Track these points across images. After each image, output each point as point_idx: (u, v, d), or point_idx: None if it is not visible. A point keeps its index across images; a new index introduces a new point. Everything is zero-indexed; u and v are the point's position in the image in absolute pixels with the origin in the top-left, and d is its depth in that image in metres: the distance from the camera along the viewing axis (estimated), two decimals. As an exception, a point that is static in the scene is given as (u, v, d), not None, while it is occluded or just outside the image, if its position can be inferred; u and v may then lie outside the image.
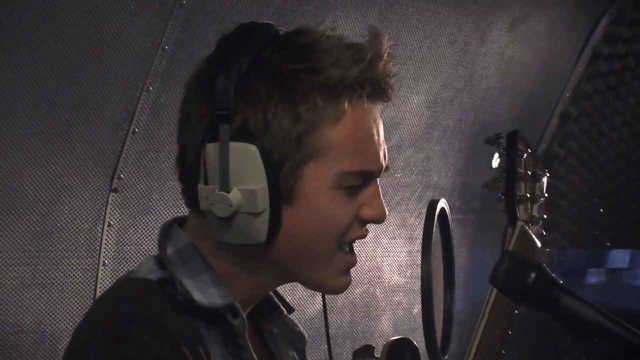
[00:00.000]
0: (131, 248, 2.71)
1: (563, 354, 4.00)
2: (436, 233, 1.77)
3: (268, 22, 1.38)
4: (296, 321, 1.55)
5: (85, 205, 2.60)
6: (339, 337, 3.39)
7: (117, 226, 2.67)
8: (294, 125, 1.31)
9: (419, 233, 1.84)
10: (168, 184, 2.70)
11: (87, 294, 2.62)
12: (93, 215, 2.62)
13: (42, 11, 2.34)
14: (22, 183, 2.45)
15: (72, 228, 2.58)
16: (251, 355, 1.37)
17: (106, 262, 2.65)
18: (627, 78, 4.06)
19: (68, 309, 2.58)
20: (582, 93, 4.10)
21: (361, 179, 1.36)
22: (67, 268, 2.58)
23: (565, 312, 1.32)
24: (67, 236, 2.57)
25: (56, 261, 2.55)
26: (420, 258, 1.72)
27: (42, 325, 2.54)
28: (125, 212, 2.69)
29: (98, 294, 2.63)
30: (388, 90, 1.36)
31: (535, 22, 3.75)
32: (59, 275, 2.56)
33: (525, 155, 1.88)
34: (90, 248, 2.63)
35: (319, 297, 3.19)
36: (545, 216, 1.94)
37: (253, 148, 1.30)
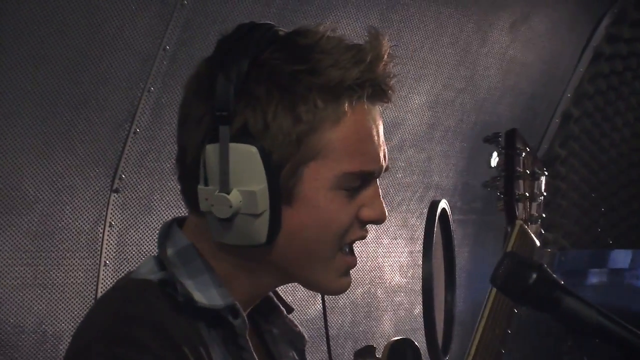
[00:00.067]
0: (132, 248, 2.71)
1: (564, 354, 4.00)
2: (437, 233, 1.77)
3: (268, 22, 1.38)
4: (296, 321, 1.54)
5: (87, 206, 2.60)
6: (340, 337, 3.39)
7: (118, 226, 2.67)
8: (294, 127, 1.30)
9: (420, 233, 1.84)
10: (169, 184, 2.70)
11: (88, 295, 2.62)
12: (94, 215, 2.62)
13: (43, 11, 2.34)
14: (23, 183, 2.45)
15: (73, 228, 2.58)
16: (252, 356, 1.37)
17: (107, 262, 2.65)
18: (629, 78, 4.06)
19: (69, 309, 2.58)
20: (583, 93, 4.10)
21: (361, 180, 1.36)
22: (68, 268, 2.58)
23: (566, 312, 1.32)
24: (68, 236, 2.57)
25: (57, 261, 2.55)
26: (421, 258, 1.72)
27: (44, 326, 2.54)
28: (127, 212, 2.69)
29: (99, 295, 2.63)
30: (388, 92, 1.36)
31: (537, 22, 3.75)
32: (60, 275, 2.56)
33: (523, 154, 1.88)
34: (92, 248, 2.63)
35: (319, 297, 3.19)
36: (544, 215, 1.94)
37: (253, 149, 1.29)
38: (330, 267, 1.38)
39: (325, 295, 1.52)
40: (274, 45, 1.34)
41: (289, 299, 1.56)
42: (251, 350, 1.37)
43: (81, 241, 2.60)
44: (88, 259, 2.62)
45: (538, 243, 1.89)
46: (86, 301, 2.61)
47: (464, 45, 3.55)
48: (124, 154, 2.63)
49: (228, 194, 1.31)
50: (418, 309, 3.63)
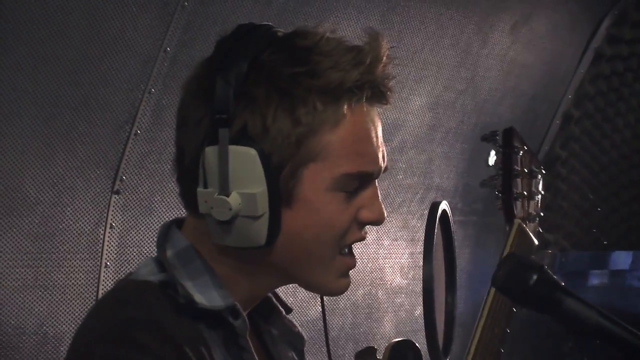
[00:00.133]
0: (133, 250, 2.71)
1: (565, 356, 4.00)
2: (438, 235, 1.77)
3: (267, 23, 1.38)
4: (296, 323, 1.55)
5: (88, 207, 2.60)
6: (341, 338, 3.39)
7: (119, 228, 2.67)
8: (293, 129, 1.30)
9: (421, 235, 1.84)
10: (170, 185, 2.70)
11: (89, 296, 2.62)
12: (95, 217, 2.62)
13: (44, 13, 2.34)
14: (24, 185, 2.45)
15: (74, 230, 2.58)
16: (252, 356, 1.37)
17: (108, 263, 2.65)
18: (630, 79, 4.06)
19: (70, 310, 2.58)
20: (584, 94, 4.10)
21: (360, 181, 1.36)
22: (69, 270, 2.58)
23: (567, 313, 1.32)
24: (69, 238, 2.57)
25: (58, 263, 2.56)
26: (422, 260, 1.72)
27: (45, 327, 2.54)
28: (128, 213, 2.69)
29: (100, 296, 2.63)
30: (387, 93, 1.36)
31: (537, 23, 3.75)
32: (61, 277, 2.57)
33: (521, 152, 1.88)
34: (93, 250, 2.63)
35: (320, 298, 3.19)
36: (542, 213, 1.94)
37: (252, 152, 1.29)
38: (330, 269, 1.39)
39: (325, 296, 1.52)
40: (273, 46, 1.34)
41: (289, 300, 1.56)
42: (252, 351, 1.37)
43: (82, 243, 2.60)
44: (89, 260, 2.63)
45: (536, 242, 1.89)
46: (87, 303, 2.61)
47: (464, 46, 3.55)
48: (124, 155, 2.63)
49: (227, 196, 1.30)
50: (419, 311, 3.63)
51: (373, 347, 1.61)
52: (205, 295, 1.34)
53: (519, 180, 1.87)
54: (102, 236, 2.64)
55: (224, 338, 1.35)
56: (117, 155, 2.63)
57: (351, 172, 1.34)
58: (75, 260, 2.59)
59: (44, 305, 2.54)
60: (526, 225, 1.87)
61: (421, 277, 1.71)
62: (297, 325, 1.55)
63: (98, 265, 2.64)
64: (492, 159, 1.87)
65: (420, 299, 1.71)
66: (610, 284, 4.04)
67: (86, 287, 2.62)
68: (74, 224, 2.57)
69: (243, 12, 2.71)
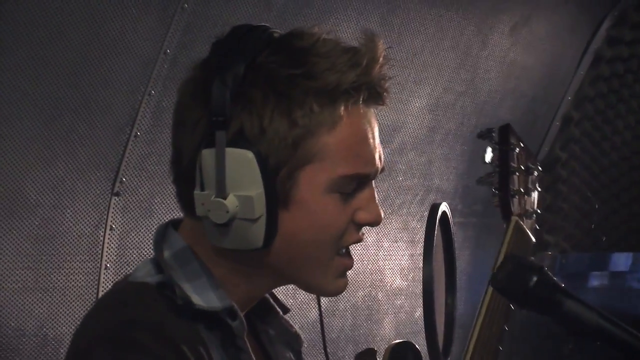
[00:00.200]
0: (133, 252, 2.71)
1: (565, 357, 3.99)
2: (438, 236, 1.77)
3: (263, 24, 1.38)
4: (296, 324, 1.55)
5: (88, 209, 2.60)
6: (341, 340, 3.39)
7: (119, 230, 2.67)
8: (290, 131, 1.30)
9: (420, 236, 1.84)
10: (170, 187, 2.67)
11: (89, 298, 2.62)
12: (95, 219, 2.62)
13: (44, 15, 2.34)
14: (24, 187, 2.45)
15: (75, 232, 2.58)
16: (250, 357, 1.37)
17: (108, 265, 2.65)
18: (630, 81, 4.06)
19: (70, 312, 2.58)
20: (584, 96, 4.10)
21: (357, 183, 1.36)
22: (70, 272, 2.58)
23: (567, 315, 1.32)
24: (69, 240, 2.57)
25: (58, 265, 2.55)
26: (422, 261, 1.72)
27: (45, 329, 2.54)
28: (127, 215, 2.69)
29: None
30: (384, 94, 1.36)
31: (537, 25, 3.75)
32: (61, 278, 2.57)
33: (517, 149, 1.88)
34: (93, 252, 2.63)
35: (321, 299, 3.19)
36: (539, 210, 1.94)
37: (249, 154, 1.29)
38: (328, 270, 1.39)
39: (324, 298, 1.52)
40: (270, 48, 1.34)
41: (289, 302, 1.57)
42: (249, 351, 1.37)
43: (82, 245, 2.60)
44: (89, 262, 2.62)
45: (533, 239, 1.89)
46: (87, 304, 2.61)
47: (464, 48, 3.55)
48: (124, 157, 2.63)
49: (224, 199, 1.30)
50: (419, 312, 3.63)
51: (373, 349, 1.61)
52: (203, 297, 1.34)
53: (515, 177, 1.87)
54: (102, 238, 2.64)
55: (222, 339, 1.36)
56: (117, 157, 2.63)
57: (348, 174, 1.34)
58: (75, 262, 2.59)
59: (44, 307, 2.54)
60: (523, 222, 1.87)
61: (421, 278, 1.70)
62: (294, 325, 1.55)
63: (98, 267, 2.64)
64: (488, 156, 1.87)
65: (420, 300, 1.71)
66: (610, 285, 4.04)
67: (86, 289, 2.62)
68: (74, 226, 2.57)
69: (243, 14, 2.71)
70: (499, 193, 1.85)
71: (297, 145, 1.31)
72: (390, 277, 3.58)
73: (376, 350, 1.61)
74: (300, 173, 1.32)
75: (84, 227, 2.60)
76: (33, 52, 2.36)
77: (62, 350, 2.56)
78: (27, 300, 2.50)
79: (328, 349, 1.60)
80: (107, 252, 2.65)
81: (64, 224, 2.55)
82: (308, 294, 1.51)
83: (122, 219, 2.67)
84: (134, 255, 2.70)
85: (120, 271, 2.67)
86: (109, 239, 2.65)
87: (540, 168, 1.95)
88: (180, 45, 2.61)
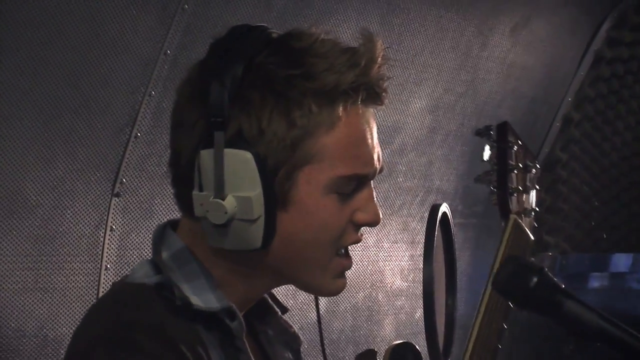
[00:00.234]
0: (133, 252, 2.71)
1: (565, 358, 3.99)
2: (438, 237, 1.77)
3: (261, 24, 1.38)
4: (297, 325, 1.55)
5: (88, 210, 2.60)
6: (341, 341, 3.39)
7: (119, 230, 2.67)
8: (288, 132, 1.30)
9: (421, 237, 1.84)
10: (170, 188, 2.69)
11: (90, 298, 2.62)
12: (95, 219, 2.62)
13: (44, 15, 2.34)
14: (24, 187, 2.45)
15: (75, 232, 2.58)
16: (248, 357, 1.37)
17: (108, 266, 2.65)
18: (630, 82, 4.06)
19: (70, 313, 2.58)
20: (584, 97, 4.10)
21: (355, 183, 1.36)
22: (70, 272, 2.58)
23: (568, 316, 1.32)
24: (69, 240, 2.57)
25: (58, 265, 2.55)
26: (422, 262, 1.72)
27: (45, 330, 2.54)
28: (128, 216, 2.69)
29: (100, 299, 2.63)
30: (382, 94, 1.36)
31: (537, 26, 3.75)
32: (62, 279, 2.57)
33: (515, 147, 1.87)
34: (93, 252, 2.63)
35: (321, 300, 3.19)
36: (537, 208, 1.94)
37: (248, 155, 1.29)
38: (327, 270, 1.39)
39: (324, 298, 1.52)
40: (268, 49, 1.33)
41: (289, 303, 1.56)
42: (248, 352, 1.37)
43: (82, 245, 2.60)
44: (89, 263, 2.62)
45: (532, 237, 1.89)
46: (87, 305, 2.61)
47: (464, 49, 3.55)
48: (124, 158, 2.63)
49: (223, 200, 1.30)
50: (419, 313, 3.63)
51: (373, 350, 1.61)
52: (201, 297, 1.34)
53: (513, 175, 1.87)
54: (102, 239, 2.64)
55: (221, 339, 1.35)
56: (118, 158, 2.63)
57: (347, 174, 1.34)
58: (75, 263, 2.59)
59: (44, 307, 2.54)
60: (522, 220, 1.86)
61: (421, 279, 1.70)
62: (293, 325, 1.55)
63: (98, 267, 2.64)
64: (486, 154, 1.86)
65: (421, 301, 1.71)
66: (610, 286, 4.04)
67: (86, 290, 2.62)
68: (74, 226, 2.57)
69: (243, 14, 2.71)
70: (497, 191, 1.84)
71: (295, 146, 1.31)
72: (390, 278, 3.58)
73: (376, 351, 1.61)
74: (298, 174, 1.32)
75: (84, 227, 2.60)
76: (33, 52, 2.37)
77: (62, 351, 2.56)
78: (27, 301, 2.50)
79: (328, 350, 1.61)
80: (107, 252, 2.65)
81: (64, 225, 2.55)
82: (308, 295, 1.51)
83: (123, 220, 2.67)
84: (135, 256, 2.70)
85: (120, 272, 2.67)
86: (109, 239, 2.65)
87: (538, 165, 1.95)
88: (181, 46, 2.61)
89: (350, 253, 1.43)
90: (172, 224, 1.43)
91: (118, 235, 2.67)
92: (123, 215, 2.67)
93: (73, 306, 2.59)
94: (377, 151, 1.38)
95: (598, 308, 1.32)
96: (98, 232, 2.63)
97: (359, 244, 1.42)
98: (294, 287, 1.45)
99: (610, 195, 4.12)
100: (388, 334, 3.60)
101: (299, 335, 1.55)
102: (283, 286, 1.46)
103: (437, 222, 1.75)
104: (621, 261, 4.04)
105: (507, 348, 1.74)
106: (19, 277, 2.47)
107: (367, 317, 3.52)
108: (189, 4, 2.58)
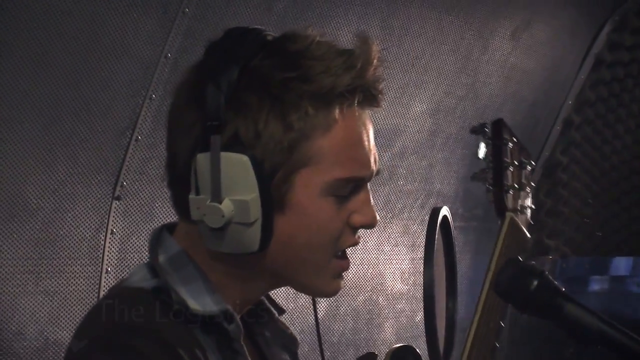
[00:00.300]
0: (134, 256, 2.71)
1: (566, 361, 3.99)
2: (439, 240, 1.77)
3: (257, 27, 1.38)
4: (297, 328, 1.55)
5: (88, 213, 2.60)
6: (341, 344, 3.39)
7: (120, 234, 2.67)
8: (285, 135, 1.30)
9: (421, 240, 1.84)
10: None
11: (90, 302, 2.62)
12: (96, 222, 2.62)
13: (45, 18, 2.34)
14: (25, 191, 2.45)
15: (75, 236, 2.58)
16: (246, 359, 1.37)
17: (109, 269, 2.65)
18: (630, 85, 4.06)
19: (71, 316, 2.58)
20: (584, 100, 4.10)
21: (352, 186, 1.36)
22: (70, 276, 2.58)
23: (568, 319, 1.32)
24: (70, 244, 2.57)
25: (59, 269, 2.55)
26: (422, 266, 1.72)
27: (45, 333, 2.54)
28: (128, 219, 2.69)
29: (101, 302, 2.63)
30: (378, 96, 1.36)
31: (538, 29, 3.75)
32: (62, 282, 2.57)
33: (510, 144, 1.87)
34: (93, 256, 2.63)
35: (321, 304, 3.19)
36: (532, 206, 1.94)
37: (244, 158, 1.29)
38: (325, 272, 1.39)
39: (325, 301, 1.52)
40: (264, 51, 1.33)
41: (290, 306, 1.57)
42: (246, 354, 1.37)
43: (83, 248, 2.60)
44: (90, 266, 2.63)
45: (528, 235, 1.89)
46: (88, 308, 2.60)
47: (465, 52, 3.55)
48: (125, 161, 2.63)
49: (220, 203, 1.30)
50: (419, 316, 3.63)
51: (374, 353, 1.61)
52: (199, 301, 1.34)
53: (509, 172, 1.86)
54: (102, 242, 2.64)
55: (218, 342, 1.35)
56: (118, 161, 2.63)
57: (344, 177, 1.34)
58: (76, 266, 2.59)
59: (45, 311, 2.54)
60: (518, 217, 1.86)
61: (422, 282, 1.71)
62: (294, 328, 1.55)
63: (99, 271, 2.64)
64: (481, 151, 1.86)
65: (421, 304, 1.71)
66: (610, 289, 4.03)
67: (87, 293, 2.62)
68: (74, 230, 2.58)
69: (244, 18, 2.72)
70: (493, 189, 1.84)
71: (292, 149, 1.31)
72: (391, 281, 3.58)
73: (377, 355, 1.61)
74: (295, 176, 1.32)
75: (85, 230, 2.60)
76: (34, 55, 2.37)
77: (62, 354, 2.55)
78: (28, 304, 2.50)
79: (329, 353, 1.61)
80: (108, 256, 2.65)
81: (64, 228, 2.55)
82: (310, 298, 1.51)
83: (123, 223, 2.68)
84: (135, 259, 2.71)
85: (121, 275, 2.67)
86: (109, 242, 2.65)
87: (533, 163, 1.95)
88: (181, 49, 2.61)
89: (351, 256, 1.43)
90: (169, 228, 1.43)
91: (119, 238, 2.67)
92: (124, 219, 2.67)
93: (74, 309, 2.59)
94: (373, 153, 1.38)
95: (598, 311, 1.32)
96: (99, 235, 2.63)
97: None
98: (295, 290, 1.45)
99: (611, 198, 4.12)
100: (388, 337, 3.60)
101: (296, 336, 1.55)
102: (284, 289, 1.46)
103: (438, 225, 1.75)
104: (621, 264, 4.04)
105: (507, 351, 1.74)
106: (20, 281, 2.47)
107: (368, 320, 3.52)
108: (190, 7, 2.59)
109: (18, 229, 2.45)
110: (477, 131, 1.86)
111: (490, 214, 1.82)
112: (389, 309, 3.60)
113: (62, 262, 2.56)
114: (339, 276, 1.41)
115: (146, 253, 2.70)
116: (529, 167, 1.93)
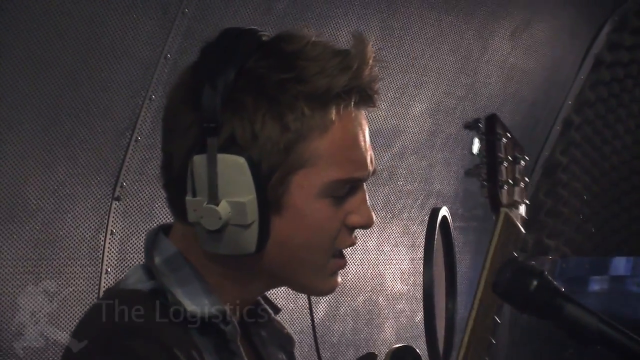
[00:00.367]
0: (134, 256, 2.71)
1: (566, 361, 4.00)
2: (438, 241, 1.77)
3: (252, 27, 1.37)
4: (297, 328, 1.55)
5: (88, 214, 2.60)
6: (341, 345, 3.39)
7: (119, 234, 2.67)
8: (282, 136, 1.30)
9: (421, 241, 1.84)
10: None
11: (90, 302, 2.62)
12: (96, 223, 2.62)
13: (45, 18, 2.35)
14: (25, 191, 2.45)
15: (75, 236, 2.58)
16: (243, 360, 1.37)
17: (109, 270, 2.65)
18: (630, 85, 4.07)
19: (71, 317, 2.58)
20: (584, 101, 4.10)
21: (349, 187, 1.36)
22: (70, 276, 2.58)
23: (568, 319, 1.32)
24: (69, 244, 2.57)
25: (59, 269, 2.55)
26: (422, 266, 1.72)
27: (45, 334, 2.54)
28: (128, 220, 2.69)
29: (101, 302, 2.63)
30: (374, 96, 1.36)
31: (538, 30, 3.75)
32: (62, 283, 2.57)
33: (504, 139, 1.87)
34: (93, 256, 2.63)
35: (321, 304, 3.19)
36: (527, 201, 1.94)
37: (241, 160, 1.29)
38: (323, 271, 1.39)
39: (325, 301, 1.52)
40: (260, 52, 1.33)
41: (290, 306, 1.56)
42: (242, 356, 1.37)
43: (83, 249, 2.60)
44: (89, 266, 2.63)
45: (523, 231, 1.88)
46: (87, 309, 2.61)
47: (464, 52, 3.55)
48: (125, 162, 2.63)
49: (217, 205, 1.30)
50: (419, 317, 3.63)
51: (374, 354, 1.61)
52: (195, 302, 1.34)
53: (503, 167, 1.86)
54: (102, 242, 2.64)
55: (215, 343, 1.35)
56: (118, 162, 2.63)
57: (341, 178, 1.34)
58: (76, 267, 2.59)
59: (45, 311, 2.53)
60: (512, 213, 1.86)
61: (421, 283, 1.71)
62: (299, 331, 1.55)
63: (99, 271, 2.64)
64: (475, 146, 1.86)
65: (421, 305, 1.71)
66: (610, 289, 4.04)
67: (87, 294, 2.62)
68: (74, 230, 2.58)
69: (243, 18, 2.72)
70: (487, 184, 1.84)
71: (289, 150, 1.31)
72: (390, 282, 3.58)
73: (377, 355, 1.61)
74: (292, 178, 1.32)
75: (85, 231, 2.60)
76: (33, 55, 2.37)
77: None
78: (28, 304, 2.50)
79: (329, 354, 1.61)
80: (107, 256, 2.65)
81: (64, 229, 2.55)
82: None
83: (123, 224, 2.68)
84: (135, 260, 2.70)
85: (121, 275, 2.67)
86: (109, 243, 2.65)
87: (527, 157, 1.95)
88: (181, 50, 2.61)
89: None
90: (165, 229, 1.43)
91: (118, 238, 2.67)
92: (123, 219, 2.67)
93: (74, 310, 2.59)
94: (370, 154, 1.38)
95: (598, 311, 1.33)
96: (98, 236, 2.63)
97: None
98: (295, 291, 1.45)
99: (611, 198, 4.12)
100: (388, 338, 3.60)
101: (293, 336, 1.55)
102: (284, 289, 1.46)
103: (437, 225, 1.75)
104: (621, 264, 4.04)
105: (507, 351, 1.74)
106: (20, 281, 2.47)
107: (368, 321, 3.52)
108: (190, 7, 2.59)
109: (18, 229, 2.45)
110: (471, 127, 1.86)
111: (489, 214, 1.82)
112: (389, 309, 3.60)
113: (62, 263, 2.56)
114: (335, 274, 1.41)
115: (146, 253, 2.70)
116: (522, 162, 1.92)
